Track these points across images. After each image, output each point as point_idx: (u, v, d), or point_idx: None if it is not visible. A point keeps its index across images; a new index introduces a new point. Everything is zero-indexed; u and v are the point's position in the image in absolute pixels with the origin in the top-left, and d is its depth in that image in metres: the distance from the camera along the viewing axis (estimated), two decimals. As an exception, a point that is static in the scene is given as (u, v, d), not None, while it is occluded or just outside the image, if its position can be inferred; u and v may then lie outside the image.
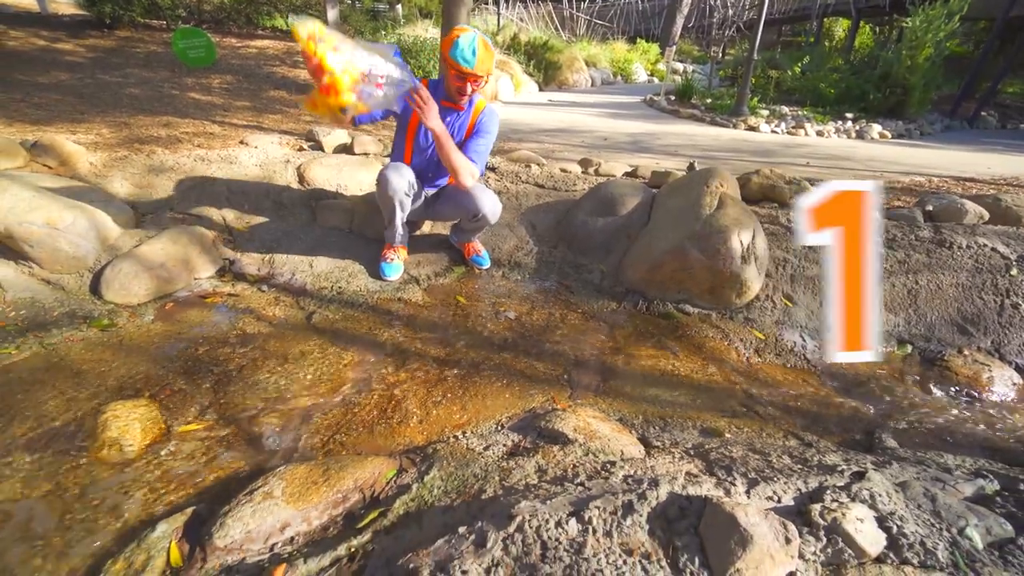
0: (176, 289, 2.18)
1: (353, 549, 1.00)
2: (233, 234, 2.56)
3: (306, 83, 6.52)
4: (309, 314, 2.13)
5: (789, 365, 2.07)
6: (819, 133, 7.42)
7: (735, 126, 7.53)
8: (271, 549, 1.04)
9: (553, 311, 2.31)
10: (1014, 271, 2.36)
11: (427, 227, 2.84)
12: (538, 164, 3.68)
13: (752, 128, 7.44)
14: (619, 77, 14.70)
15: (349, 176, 2.97)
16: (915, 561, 0.96)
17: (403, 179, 2.22)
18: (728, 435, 1.53)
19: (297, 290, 2.30)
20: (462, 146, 2.24)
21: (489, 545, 0.91)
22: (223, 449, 1.40)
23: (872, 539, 0.98)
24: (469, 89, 2.09)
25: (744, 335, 2.19)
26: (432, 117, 2.00)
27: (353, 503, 1.15)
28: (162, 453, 1.36)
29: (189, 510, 1.15)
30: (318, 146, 3.42)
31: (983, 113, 11.03)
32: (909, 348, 2.21)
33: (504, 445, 1.37)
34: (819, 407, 1.80)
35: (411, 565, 0.89)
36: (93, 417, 1.45)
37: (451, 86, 2.12)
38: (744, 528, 0.91)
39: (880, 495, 1.08)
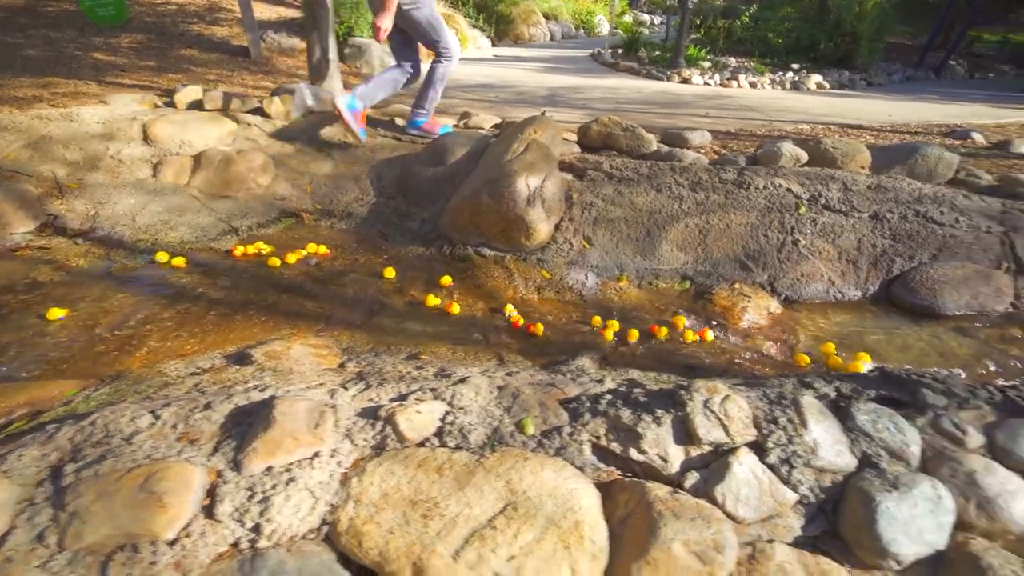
0: (-13, 243, 2.28)
1: (-23, 447, 1.15)
2: (63, 191, 2.63)
3: (221, 40, 6.40)
4: (112, 264, 2.24)
5: (564, 300, 2.21)
6: (752, 84, 7.35)
7: (669, 78, 7.45)
8: (-83, 451, 1.19)
9: (359, 257, 2.42)
10: (802, 209, 2.48)
11: (268, 185, 2.91)
12: (406, 118, 3.71)
13: (686, 80, 7.37)
14: (581, 30, 14.31)
15: (195, 132, 3.02)
16: (451, 444, 1.12)
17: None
18: (426, 358, 1.68)
19: (113, 242, 2.40)
20: None
21: (58, 435, 1.05)
22: (-49, 378, 1.53)
23: (418, 428, 1.13)
24: None
25: (530, 274, 2.32)
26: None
27: (18, 415, 1.30)
28: None
29: None
30: (173, 103, 3.44)
31: (951, 62, 10.86)
32: (688, 284, 2.35)
33: (200, 368, 1.51)
34: (557, 335, 1.95)
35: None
36: None
37: None
38: (273, 415, 1.06)
39: (463, 394, 1.23)
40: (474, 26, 10.86)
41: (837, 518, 1.09)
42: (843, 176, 2.58)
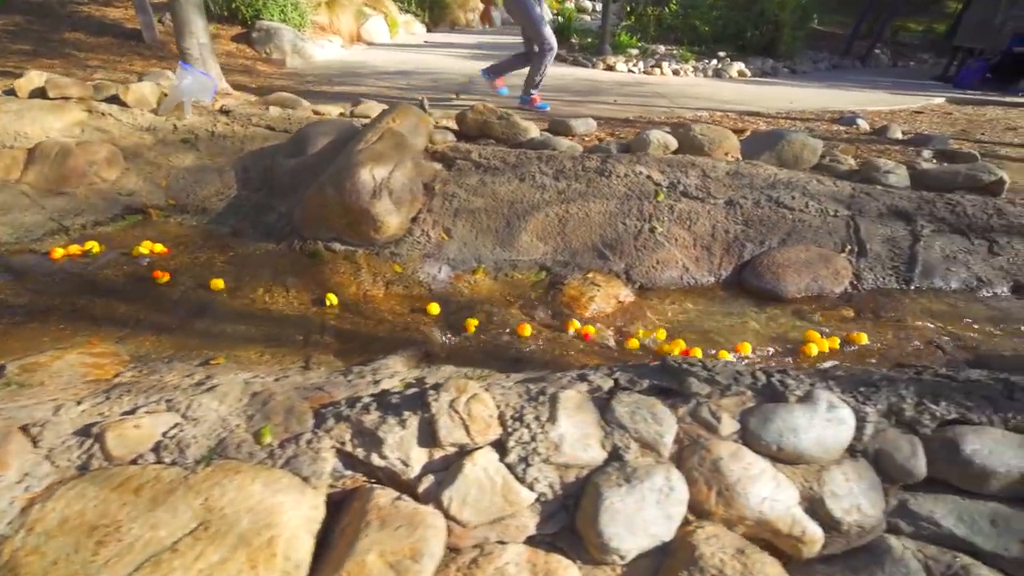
0: None
1: None
2: None
3: (113, 23, 5.95)
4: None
5: (412, 295, 2.14)
6: (675, 72, 7.44)
7: (595, 66, 7.45)
8: None
9: (200, 255, 2.28)
10: (661, 196, 2.49)
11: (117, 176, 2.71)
12: (287, 107, 3.54)
13: (610, 68, 7.38)
14: (522, 17, 14.12)
15: (33, 122, 2.76)
16: (167, 459, 1.04)
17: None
18: (221, 362, 1.58)
19: (-85, 245, 2.17)
20: None
21: None
22: None
23: (130, 444, 1.04)
24: None
25: (381, 269, 2.24)
26: None
27: None
28: None
29: None
30: (12, 90, 3.14)
31: (876, 51, 11.34)
32: (544, 274, 2.32)
33: (-56, 385, 1.37)
34: (389, 331, 1.88)
35: None
36: None
37: None
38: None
39: (202, 404, 1.15)
40: (406, 11, 10.56)
41: (576, 514, 1.08)
42: (703, 163, 2.60)
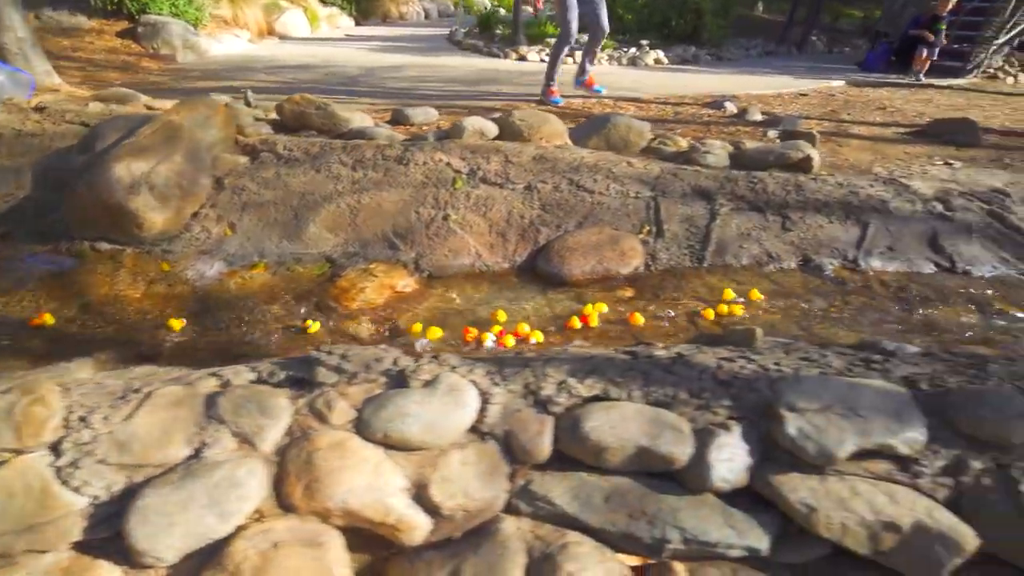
0: None
1: None
2: None
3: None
4: None
5: (173, 293, 2.05)
6: (588, 60, 7.42)
7: (507, 56, 7.39)
8: None
9: (-49, 260, 2.15)
10: (458, 183, 2.44)
11: None
12: (122, 102, 3.39)
13: (522, 58, 7.33)
14: (460, 8, 14.00)
15: None
16: None
17: None
18: None
19: None
20: None
21: None
22: None
23: None
24: None
25: (145, 268, 2.14)
26: None
27: None
28: None
29: None
30: None
31: (812, 38, 11.51)
32: (329, 267, 2.26)
33: None
34: (114, 333, 1.80)
35: None
36: None
37: None
38: None
39: None
40: (331, 3, 10.33)
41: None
42: (508, 148, 2.57)
